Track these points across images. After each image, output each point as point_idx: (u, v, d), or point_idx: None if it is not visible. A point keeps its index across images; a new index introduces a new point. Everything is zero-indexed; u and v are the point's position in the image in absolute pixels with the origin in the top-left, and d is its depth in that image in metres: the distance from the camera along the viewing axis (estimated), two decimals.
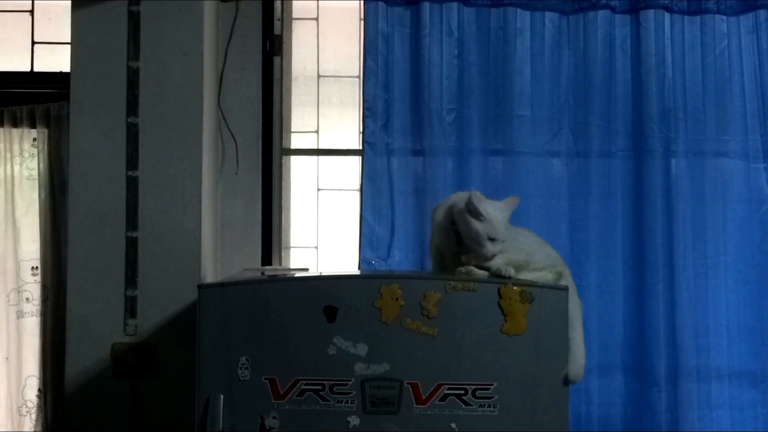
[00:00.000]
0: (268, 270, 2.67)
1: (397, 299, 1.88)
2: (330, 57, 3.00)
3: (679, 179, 2.77)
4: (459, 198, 2.05)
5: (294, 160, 2.98)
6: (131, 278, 2.41)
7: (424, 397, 1.87)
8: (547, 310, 1.88)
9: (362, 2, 2.82)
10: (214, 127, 2.69)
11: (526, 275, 2.00)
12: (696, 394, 2.72)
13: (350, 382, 1.88)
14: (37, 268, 2.98)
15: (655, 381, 2.70)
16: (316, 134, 3.00)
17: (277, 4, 2.90)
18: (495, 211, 1.99)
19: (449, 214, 2.05)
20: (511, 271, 1.96)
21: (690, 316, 2.72)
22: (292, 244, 2.96)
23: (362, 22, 2.83)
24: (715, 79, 2.80)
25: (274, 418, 1.89)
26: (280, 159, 2.92)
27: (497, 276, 1.95)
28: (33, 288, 2.99)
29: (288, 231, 2.95)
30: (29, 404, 2.97)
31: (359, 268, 2.76)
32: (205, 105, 2.49)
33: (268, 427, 1.89)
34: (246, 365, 1.89)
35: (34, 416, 2.96)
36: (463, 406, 1.87)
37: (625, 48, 2.80)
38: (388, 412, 1.87)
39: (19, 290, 2.99)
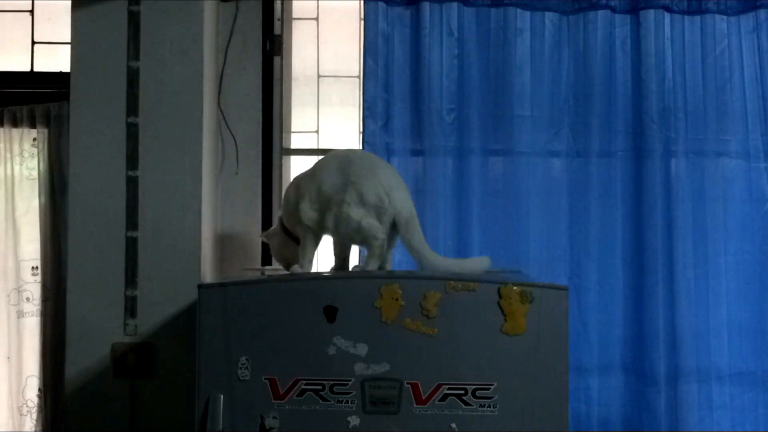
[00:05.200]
0: (268, 270, 2.67)
1: (397, 299, 1.88)
2: (330, 57, 3.00)
3: (679, 179, 2.77)
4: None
5: (294, 160, 2.98)
6: (131, 278, 2.41)
7: (424, 397, 1.87)
8: (547, 310, 1.88)
9: (362, 2, 2.82)
10: (214, 127, 2.69)
11: None
12: (696, 395, 2.72)
13: (350, 382, 1.88)
14: (37, 268, 2.98)
15: (654, 381, 2.70)
16: (316, 134, 3.00)
17: (277, 4, 2.89)
18: None
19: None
20: None
21: (690, 316, 2.72)
22: None
23: (362, 22, 2.83)
24: (715, 79, 2.80)
25: (274, 418, 1.89)
26: (280, 159, 2.92)
27: None
28: (33, 288, 2.98)
29: None
30: (29, 404, 2.97)
31: None
32: (205, 105, 2.49)
33: (268, 427, 1.89)
34: (246, 365, 1.89)
35: (34, 416, 2.96)
36: (463, 406, 1.87)
37: (625, 48, 2.80)
38: (388, 412, 1.87)
39: (19, 290, 2.99)
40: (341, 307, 1.89)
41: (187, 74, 2.45)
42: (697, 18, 2.80)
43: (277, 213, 2.88)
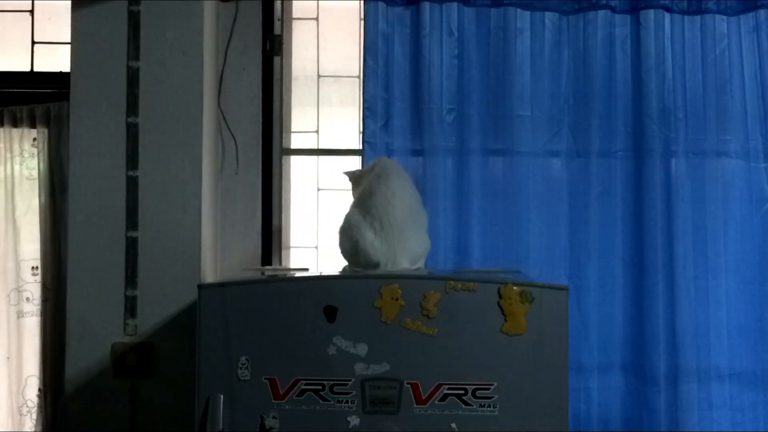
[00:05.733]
0: (268, 270, 2.67)
1: (397, 299, 1.88)
2: (330, 57, 3.00)
3: (679, 179, 2.77)
4: None
5: (294, 160, 2.98)
6: (131, 278, 2.41)
7: (424, 397, 1.87)
8: (547, 310, 1.89)
9: (362, 2, 2.82)
10: (214, 127, 2.69)
11: None
12: (696, 395, 2.72)
13: (350, 382, 1.88)
14: (37, 268, 2.98)
15: (655, 381, 2.70)
16: (316, 134, 3.00)
17: (277, 4, 2.90)
18: None
19: None
20: None
21: (690, 316, 2.72)
22: (292, 244, 2.96)
23: (362, 22, 2.83)
24: (715, 79, 2.80)
25: (274, 418, 1.89)
26: (280, 159, 2.92)
27: None
28: (33, 288, 2.98)
29: (288, 231, 2.95)
30: (29, 404, 2.97)
31: None
32: (205, 105, 2.49)
33: (268, 427, 1.89)
34: (246, 365, 1.89)
35: (34, 416, 2.96)
36: (463, 406, 1.87)
37: (625, 48, 2.79)
38: (388, 412, 1.88)
39: (19, 290, 2.99)
40: (341, 307, 1.89)
41: (187, 74, 2.45)
42: (697, 18, 2.80)
43: (276, 212, 2.89)
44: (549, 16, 2.79)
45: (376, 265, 2.09)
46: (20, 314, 2.98)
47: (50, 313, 2.94)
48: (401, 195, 2.18)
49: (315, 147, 2.99)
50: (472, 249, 2.73)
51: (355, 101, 2.97)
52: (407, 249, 2.13)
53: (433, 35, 2.77)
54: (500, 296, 1.88)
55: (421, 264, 2.22)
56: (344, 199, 2.92)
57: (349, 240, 2.15)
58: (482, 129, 2.78)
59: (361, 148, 2.82)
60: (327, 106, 3.01)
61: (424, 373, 1.88)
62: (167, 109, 2.44)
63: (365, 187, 2.22)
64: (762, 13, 2.80)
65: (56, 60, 2.97)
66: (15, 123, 2.98)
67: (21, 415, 2.97)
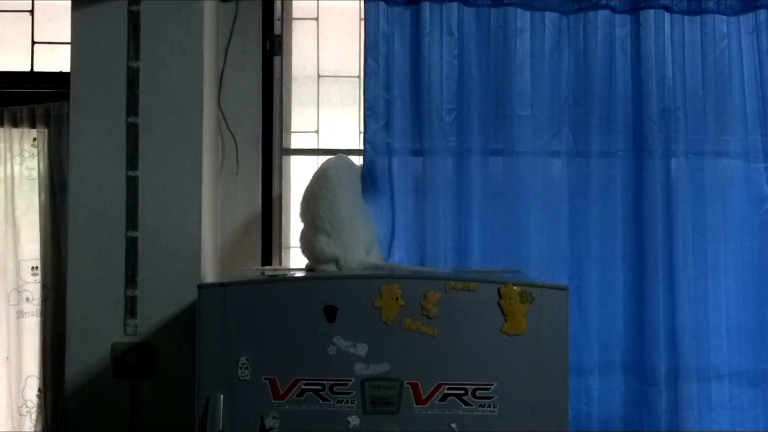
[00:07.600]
0: (268, 270, 2.68)
1: (397, 299, 1.88)
2: (330, 57, 3.01)
3: (679, 179, 2.77)
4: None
5: (294, 160, 2.98)
6: (131, 278, 2.41)
7: (424, 397, 1.88)
8: (547, 310, 1.89)
9: (362, 2, 2.82)
10: (214, 127, 2.69)
11: None
12: (696, 394, 2.71)
13: (350, 382, 1.88)
14: (37, 268, 2.98)
15: (655, 381, 2.70)
16: (316, 134, 3.01)
17: (277, 4, 2.90)
18: None
19: None
20: None
21: (690, 316, 2.72)
22: (292, 244, 2.96)
23: (362, 22, 2.83)
24: (715, 79, 2.80)
25: (274, 418, 1.89)
26: (280, 159, 2.92)
27: None
28: (33, 288, 2.99)
29: (288, 231, 2.95)
30: (29, 404, 2.97)
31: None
32: (205, 105, 2.49)
33: (268, 427, 1.89)
34: (246, 365, 1.89)
35: (34, 416, 2.96)
36: (463, 406, 1.87)
37: (625, 48, 2.79)
38: (388, 412, 1.88)
39: (19, 290, 2.99)
40: (341, 307, 1.89)
41: (187, 74, 2.45)
42: (697, 18, 2.79)
43: (276, 212, 2.89)
44: (549, 16, 2.79)
45: (336, 261, 2.24)
46: (20, 314, 2.98)
47: (50, 313, 2.94)
48: (341, 193, 2.34)
49: (315, 147, 2.99)
50: (472, 249, 2.73)
51: (355, 101, 2.97)
52: (360, 242, 2.30)
53: (433, 35, 2.77)
54: (500, 296, 1.88)
55: (376, 250, 2.39)
56: None
57: (308, 245, 2.33)
58: (482, 129, 2.78)
59: (361, 148, 2.81)
60: (327, 106, 3.01)
61: (424, 373, 1.88)
62: (167, 109, 2.44)
63: (308, 188, 2.39)
64: (762, 13, 2.80)
65: (56, 60, 2.98)
66: (15, 123, 2.98)
67: (21, 415, 2.97)
